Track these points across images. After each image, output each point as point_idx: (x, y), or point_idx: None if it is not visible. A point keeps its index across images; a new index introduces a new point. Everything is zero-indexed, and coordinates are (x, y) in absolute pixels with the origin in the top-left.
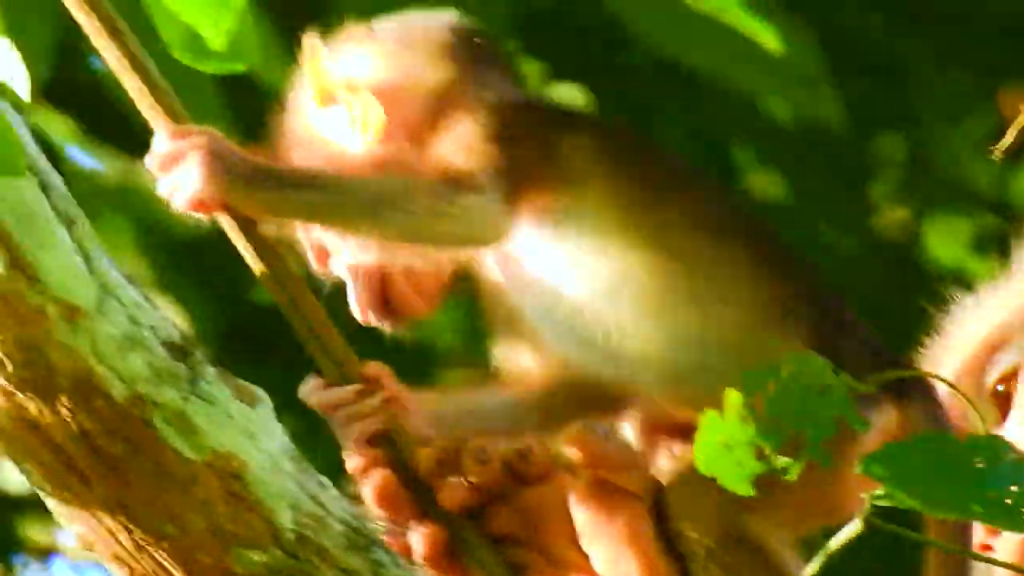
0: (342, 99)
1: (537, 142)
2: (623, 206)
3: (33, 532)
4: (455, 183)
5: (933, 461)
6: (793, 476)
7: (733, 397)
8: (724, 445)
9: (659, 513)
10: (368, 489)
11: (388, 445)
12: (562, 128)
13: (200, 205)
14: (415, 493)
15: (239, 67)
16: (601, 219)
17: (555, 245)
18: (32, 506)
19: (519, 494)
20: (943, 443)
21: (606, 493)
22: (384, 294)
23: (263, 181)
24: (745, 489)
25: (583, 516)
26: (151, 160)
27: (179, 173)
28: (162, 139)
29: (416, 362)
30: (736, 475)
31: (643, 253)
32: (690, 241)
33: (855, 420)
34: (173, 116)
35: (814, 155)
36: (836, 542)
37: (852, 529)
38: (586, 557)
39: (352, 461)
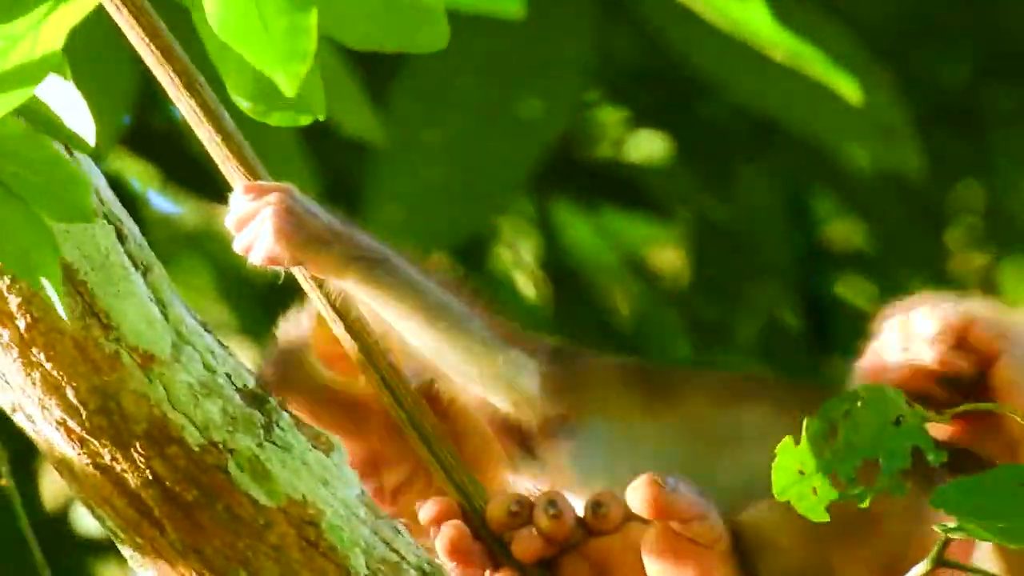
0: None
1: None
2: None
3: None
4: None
5: (1007, 492)
6: (866, 504)
7: (812, 425)
8: (799, 472)
9: (742, 556)
10: (440, 541)
11: (461, 496)
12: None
13: (274, 262)
14: (487, 544)
15: (309, 118)
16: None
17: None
18: (106, 549)
19: (590, 543)
20: (1017, 474)
21: (676, 543)
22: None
23: (335, 244)
24: (819, 516)
25: (654, 566)
26: (228, 218)
27: (253, 231)
28: (238, 197)
29: None
30: (810, 502)
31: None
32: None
33: (930, 450)
34: (248, 168)
35: (892, 203)
36: None
37: (925, 566)
38: None
39: (424, 512)
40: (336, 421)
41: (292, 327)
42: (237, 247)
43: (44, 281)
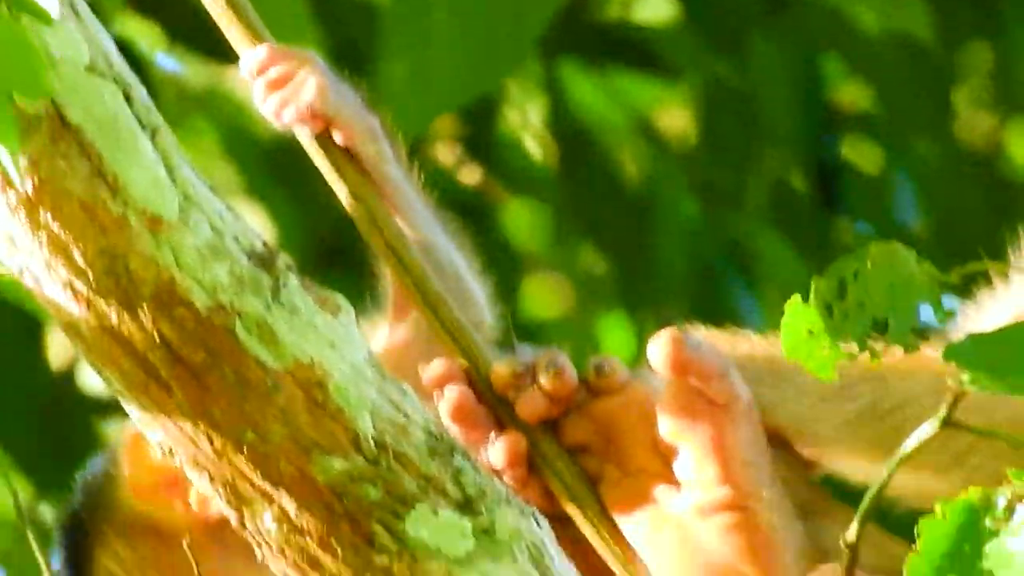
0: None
1: None
2: None
3: (113, 434)
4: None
5: (1020, 347)
6: (876, 363)
7: (819, 285)
8: (808, 332)
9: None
10: (444, 404)
11: (465, 359)
12: None
13: (312, 118)
14: (491, 407)
15: None
16: None
17: None
18: (113, 409)
19: (594, 405)
20: None
21: (693, 401)
22: None
23: (368, 115)
24: (828, 375)
25: (668, 423)
26: (259, 80)
27: (289, 91)
28: (261, 57)
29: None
30: (819, 361)
31: None
32: None
33: (939, 309)
34: (252, 31)
35: (900, 66)
36: (914, 440)
37: (933, 426)
38: (663, 464)
39: (428, 375)
40: (155, 554)
41: (96, 472)
42: (267, 108)
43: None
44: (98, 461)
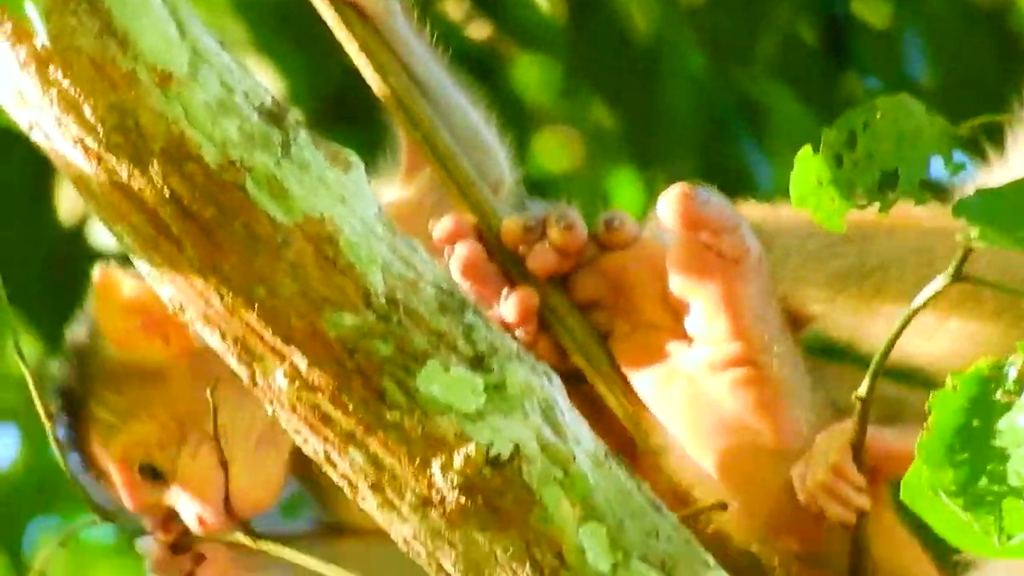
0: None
1: None
2: None
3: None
4: None
5: None
6: (885, 213)
7: (830, 135)
8: (817, 182)
9: None
10: (454, 260)
11: (475, 215)
12: None
13: None
14: (501, 263)
15: None
16: None
17: None
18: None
19: (604, 260)
20: None
21: (704, 255)
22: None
23: None
24: (836, 225)
25: (678, 278)
26: None
27: None
28: None
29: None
30: (827, 211)
31: None
32: None
33: (949, 161)
34: None
35: None
36: (922, 298)
37: (941, 281)
38: (674, 318)
39: (438, 231)
40: (144, 394)
41: (78, 329)
42: None
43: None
44: (80, 317)
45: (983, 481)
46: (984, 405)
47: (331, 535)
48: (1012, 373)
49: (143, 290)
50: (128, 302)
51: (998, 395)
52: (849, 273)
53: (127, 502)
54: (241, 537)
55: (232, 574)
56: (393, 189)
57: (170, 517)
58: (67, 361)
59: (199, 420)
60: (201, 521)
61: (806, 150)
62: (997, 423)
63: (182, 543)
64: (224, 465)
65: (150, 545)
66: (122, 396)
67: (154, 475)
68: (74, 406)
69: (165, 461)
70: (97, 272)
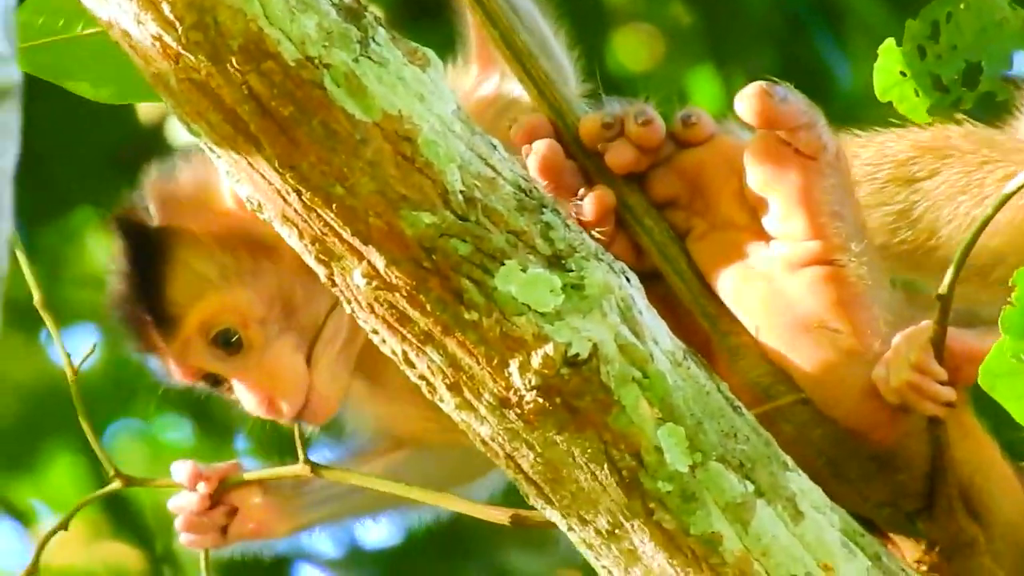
0: None
1: None
2: None
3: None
4: None
5: None
6: (968, 104)
7: (913, 27)
8: (900, 74)
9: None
10: (532, 159)
11: (553, 114)
12: None
13: None
14: (579, 162)
15: None
16: None
17: None
18: None
19: (681, 157)
20: None
21: (781, 151)
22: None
23: None
24: (920, 116)
25: (756, 175)
26: None
27: None
28: None
29: (585, 20)
30: (911, 103)
31: None
32: None
33: None
34: None
35: None
36: (1012, 185)
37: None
38: (751, 217)
39: (516, 130)
40: (257, 264)
41: (180, 172)
42: None
43: None
44: (180, 165)
45: None
46: None
47: (377, 455)
48: None
49: None
50: None
51: None
52: (900, 218)
53: (176, 363)
54: (293, 473)
55: (270, 524)
56: (468, 85)
57: (200, 469)
58: (159, 203)
59: (296, 310)
60: (272, 406)
61: (889, 42)
62: None
63: (216, 496)
64: (309, 363)
65: (182, 501)
66: (233, 258)
67: (227, 346)
68: (156, 250)
69: (256, 336)
70: None
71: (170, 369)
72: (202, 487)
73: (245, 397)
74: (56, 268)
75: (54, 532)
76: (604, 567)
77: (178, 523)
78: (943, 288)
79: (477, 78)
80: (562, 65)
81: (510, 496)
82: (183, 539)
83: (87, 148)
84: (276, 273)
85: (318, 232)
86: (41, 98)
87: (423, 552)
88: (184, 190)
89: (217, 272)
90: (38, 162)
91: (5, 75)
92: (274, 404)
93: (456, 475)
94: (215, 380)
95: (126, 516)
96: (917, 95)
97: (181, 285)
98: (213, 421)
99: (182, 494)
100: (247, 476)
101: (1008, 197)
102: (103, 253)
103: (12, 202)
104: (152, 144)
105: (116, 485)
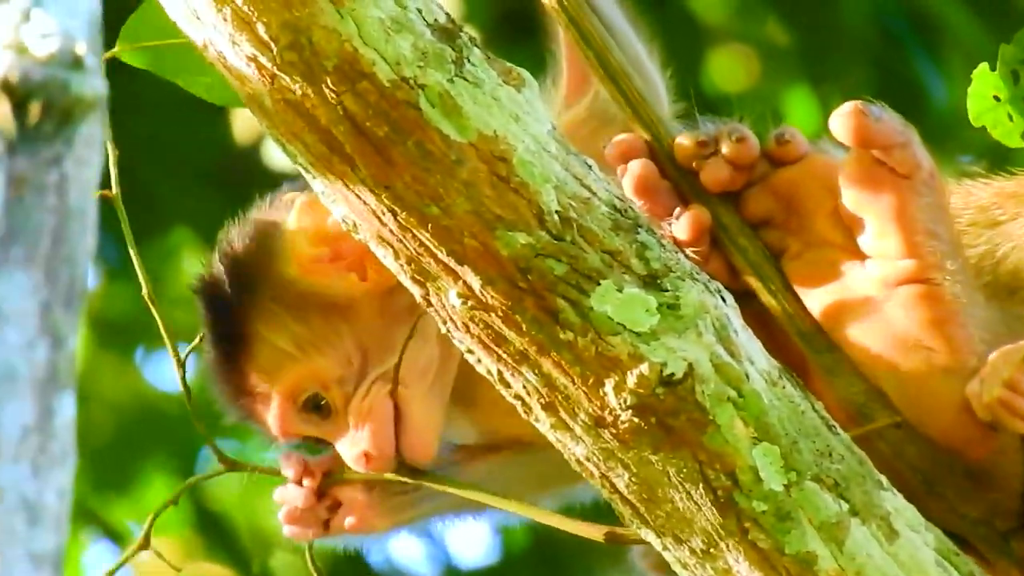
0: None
1: None
2: None
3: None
4: None
5: None
6: None
7: (1006, 51)
8: (994, 98)
9: None
10: (627, 178)
11: (648, 133)
12: None
13: None
14: (674, 181)
15: None
16: None
17: None
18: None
19: (776, 176)
20: None
21: (876, 171)
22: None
23: None
24: (1015, 142)
25: (850, 194)
26: None
27: None
28: None
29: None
30: (1006, 128)
31: None
32: None
33: None
34: None
35: None
36: None
37: None
38: (846, 235)
39: (611, 150)
40: (331, 327)
41: (245, 244)
42: None
43: None
44: (243, 233)
45: None
46: None
47: (476, 455)
48: None
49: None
50: (327, 232)
51: None
52: (983, 259)
53: (276, 427)
54: (393, 477)
55: (371, 519)
56: (563, 105)
57: (307, 462)
58: (230, 277)
59: (381, 358)
60: (368, 458)
61: (983, 67)
62: None
63: (323, 488)
64: (397, 406)
65: (287, 494)
66: (305, 326)
67: (317, 410)
68: (235, 325)
69: (339, 397)
70: (299, 198)
71: (273, 435)
72: (307, 482)
73: (345, 455)
74: (153, 288)
75: (161, 510)
76: None
77: (282, 514)
78: None
79: (572, 97)
80: (655, 84)
81: (606, 513)
82: (286, 531)
83: (184, 168)
84: (351, 331)
85: (413, 252)
86: (139, 116)
87: (519, 571)
88: (251, 258)
89: (292, 344)
90: (135, 182)
91: (91, 87)
92: (370, 457)
93: (555, 477)
94: (317, 440)
95: (221, 538)
96: (1011, 120)
97: (262, 360)
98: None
99: (288, 487)
100: (348, 475)
101: None
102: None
103: (97, 216)
104: (248, 164)
105: (220, 470)
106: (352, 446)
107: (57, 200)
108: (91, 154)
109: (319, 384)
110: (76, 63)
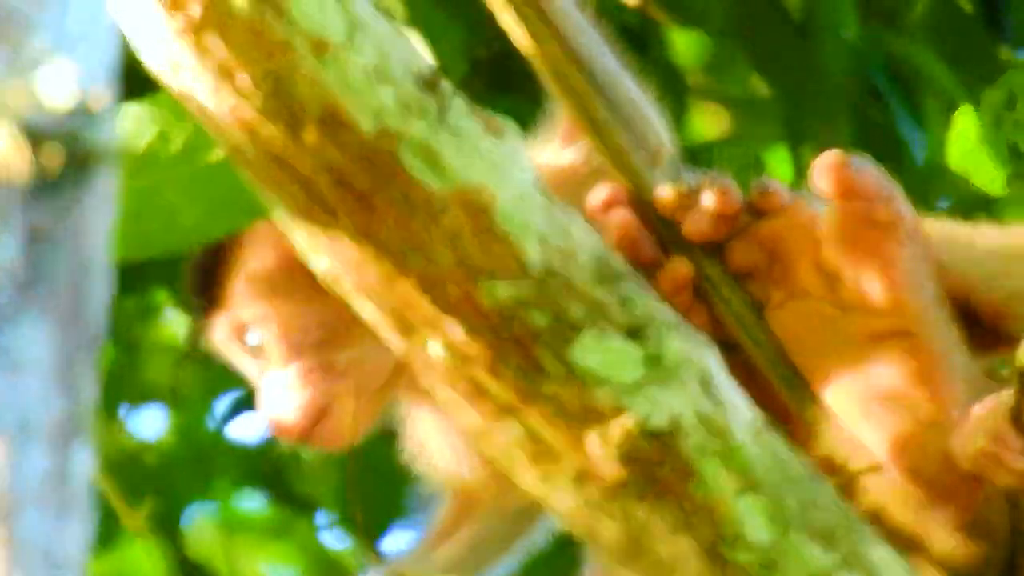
0: None
1: None
2: None
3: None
4: None
5: None
6: None
7: (989, 96)
8: (977, 142)
9: None
10: (609, 230)
11: (629, 182)
12: None
13: None
14: (656, 232)
15: None
16: None
17: None
18: None
19: (758, 227)
20: None
21: (857, 223)
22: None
23: None
24: (996, 189)
25: (833, 244)
26: None
27: None
28: None
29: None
30: (986, 173)
31: None
32: None
33: None
34: None
35: None
36: None
37: None
38: (829, 286)
39: (592, 199)
40: (302, 289)
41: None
42: None
43: None
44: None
45: None
46: None
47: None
48: None
49: None
50: None
51: None
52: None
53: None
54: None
55: None
56: (549, 157)
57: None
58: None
59: (339, 344)
60: (280, 426)
61: (965, 110)
62: None
63: None
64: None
65: None
66: (289, 279)
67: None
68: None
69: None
70: None
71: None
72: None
73: (263, 401)
74: (132, 344)
75: None
76: None
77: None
78: (1021, 361)
79: (559, 148)
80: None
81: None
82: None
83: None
84: (323, 308)
85: (396, 303)
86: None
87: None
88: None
89: (269, 287)
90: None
91: (108, 135)
92: (282, 425)
93: (529, 520)
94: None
95: None
96: (993, 164)
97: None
98: (291, 496)
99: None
100: None
101: None
102: (180, 330)
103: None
104: None
105: None
106: (276, 387)
107: (74, 249)
108: (106, 204)
109: (268, 326)
110: (95, 112)
